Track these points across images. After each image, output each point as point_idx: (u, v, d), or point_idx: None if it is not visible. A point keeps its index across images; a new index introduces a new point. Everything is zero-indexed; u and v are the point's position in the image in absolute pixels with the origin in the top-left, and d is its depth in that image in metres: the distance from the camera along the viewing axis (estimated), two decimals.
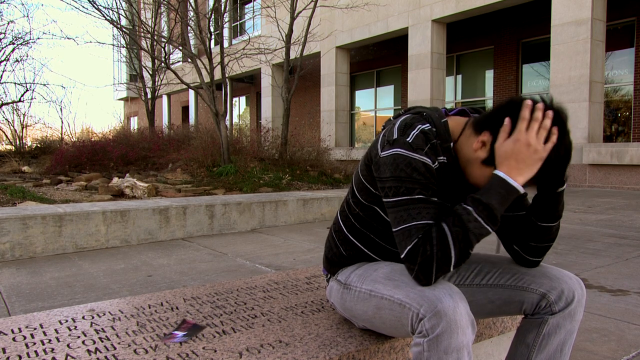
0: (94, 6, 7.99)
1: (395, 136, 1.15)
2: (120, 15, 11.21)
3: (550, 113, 1.07)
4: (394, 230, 1.14)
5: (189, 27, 8.31)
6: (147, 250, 3.92)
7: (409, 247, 1.09)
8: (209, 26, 7.82)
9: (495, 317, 1.54)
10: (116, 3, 11.51)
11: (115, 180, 6.51)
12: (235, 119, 22.82)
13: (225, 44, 10.49)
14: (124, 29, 9.57)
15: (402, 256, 1.11)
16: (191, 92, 22.27)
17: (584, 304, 1.22)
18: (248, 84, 21.28)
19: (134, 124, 28.59)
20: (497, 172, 1.09)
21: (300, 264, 3.38)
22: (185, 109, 25.30)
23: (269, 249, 3.96)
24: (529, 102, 1.07)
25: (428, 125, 1.18)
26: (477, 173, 1.17)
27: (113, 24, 8.71)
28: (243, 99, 23.28)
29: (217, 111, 7.27)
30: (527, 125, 1.06)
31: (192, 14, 8.44)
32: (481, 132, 1.14)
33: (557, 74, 9.32)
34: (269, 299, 1.63)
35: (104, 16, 8.22)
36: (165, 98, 24.80)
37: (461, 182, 1.23)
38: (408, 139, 1.13)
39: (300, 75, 8.56)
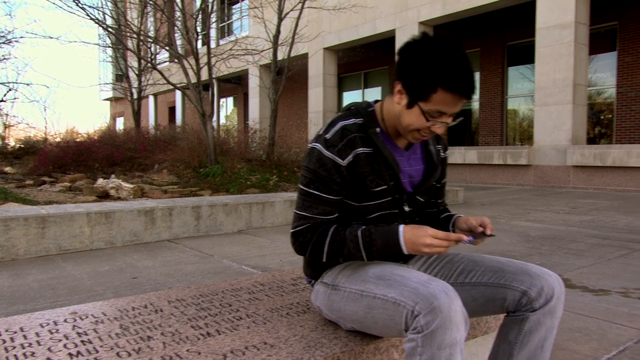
0: (78, 5, 7.90)
1: (320, 132, 1.29)
2: (106, 15, 11.09)
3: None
4: (294, 211, 1.32)
5: (175, 27, 8.26)
6: (132, 252, 3.88)
7: (295, 229, 1.30)
8: (195, 26, 7.78)
9: (480, 317, 1.55)
10: (101, 2, 11.39)
11: (100, 181, 6.43)
12: (222, 120, 22.72)
13: (213, 45, 10.44)
14: (109, 29, 9.47)
15: (290, 231, 1.32)
16: (178, 93, 22.13)
17: (563, 301, 1.25)
18: (235, 84, 21.20)
19: (120, 124, 28.31)
20: (401, 228, 1.21)
21: (287, 265, 3.37)
22: (172, 110, 25.12)
23: (256, 251, 3.94)
24: (463, 237, 1.20)
25: (353, 119, 1.30)
26: (409, 119, 1.26)
27: (98, 24, 8.62)
28: (230, 99, 23.18)
29: (204, 112, 7.23)
30: (444, 239, 1.17)
31: (178, 14, 8.39)
32: (394, 86, 1.27)
33: (542, 76, 9.44)
34: (254, 301, 1.62)
35: (88, 15, 8.13)
36: (151, 98, 24.59)
37: (397, 162, 1.34)
38: (326, 136, 1.27)
39: (288, 77, 8.56)
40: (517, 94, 12.93)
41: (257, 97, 16.81)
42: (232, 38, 16.09)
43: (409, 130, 1.27)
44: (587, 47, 9.32)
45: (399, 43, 12.24)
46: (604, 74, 11.24)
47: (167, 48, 8.83)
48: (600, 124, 11.53)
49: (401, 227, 1.21)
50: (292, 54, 8.77)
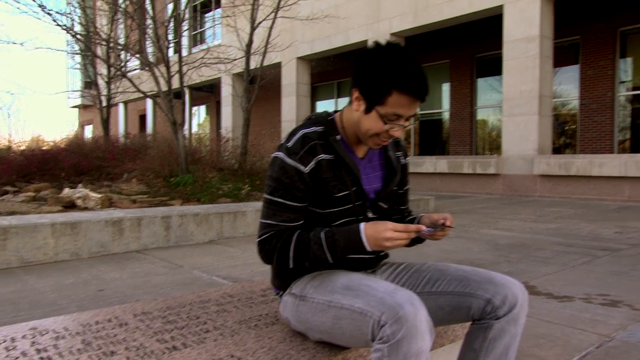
0: (44, 11, 7.72)
1: (282, 141, 1.33)
2: (74, 21, 10.86)
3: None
4: (260, 220, 1.34)
5: (146, 35, 8.15)
6: (98, 264, 3.78)
7: (261, 237, 1.31)
8: (167, 34, 7.70)
9: (447, 326, 1.57)
10: (70, 9, 11.15)
11: (67, 190, 6.26)
12: (195, 128, 22.48)
13: (185, 53, 10.34)
14: (77, 36, 9.27)
15: (256, 240, 1.33)
16: (149, 101, 21.80)
17: (526, 309, 1.28)
18: (208, 93, 21.04)
19: (89, 132, 27.66)
20: (362, 226, 1.24)
21: (258, 276, 3.34)
22: (142, 118, 24.72)
23: (227, 261, 3.90)
24: (422, 228, 1.25)
25: (313, 127, 1.34)
26: (368, 124, 1.30)
27: (66, 30, 8.43)
28: (203, 108, 22.98)
29: (175, 120, 7.14)
30: (404, 231, 1.22)
31: (150, 21, 8.29)
32: (351, 94, 1.31)
33: (509, 88, 9.70)
34: (222, 313, 1.60)
35: (55, 21, 7.94)
36: (121, 106, 24.16)
37: (362, 166, 1.39)
38: (288, 144, 1.30)
39: (261, 85, 8.54)
40: (486, 105, 13.24)
41: (230, 106, 16.72)
42: (205, 46, 15.99)
43: (368, 135, 1.31)
44: (552, 60, 9.63)
45: None
46: (568, 86, 11.63)
47: (137, 55, 8.70)
48: (565, 134, 11.90)
49: (362, 225, 1.24)
50: (266, 63, 8.77)
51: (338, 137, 1.34)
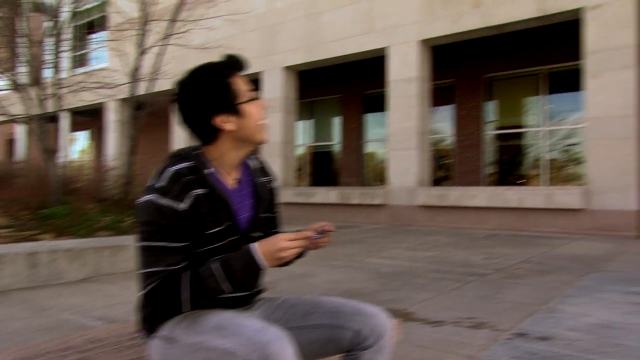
0: None
1: (149, 183, 1.26)
2: None
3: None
4: (138, 272, 1.24)
5: (18, 53, 7.47)
6: None
7: (147, 290, 1.21)
8: (42, 54, 7.12)
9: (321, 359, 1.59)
10: None
11: None
12: (76, 155, 20.82)
13: (64, 74, 9.62)
14: None
15: (140, 294, 1.23)
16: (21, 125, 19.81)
17: (393, 338, 1.34)
18: (92, 117, 19.70)
19: None
20: (254, 246, 1.24)
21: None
22: (10, 143, 22.36)
23: (103, 300, 3.61)
24: (309, 234, 1.28)
25: (183, 163, 1.29)
26: (250, 120, 1.33)
27: None
28: (86, 133, 21.45)
29: (48, 146, 6.56)
30: (295, 239, 1.25)
31: (24, 39, 7.63)
32: (212, 129, 1.31)
33: (394, 124, 10.39)
34: None
35: None
36: None
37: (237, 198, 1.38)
38: (157, 185, 1.24)
39: (150, 113, 8.21)
40: (373, 139, 14.01)
41: (115, 132, 15.81)
42: (88, 69, 15.06)
43: (259, 129, 1.35)
44: (430, 100, 10.53)
45: (265, 84, 12.57)
46: (445, 123, 12.78)
47: (6, 75, 7.92)
48: (443, 168, 12.97)
49: (254, 245, 1.23)
50: (157, 90, 8.47)
51: (210, 170, 1.32)
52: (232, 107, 1.30)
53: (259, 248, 1.23)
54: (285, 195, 11.74)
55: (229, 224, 1.32)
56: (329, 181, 14.69)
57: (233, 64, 1.34)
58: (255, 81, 13.01)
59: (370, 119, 14.08)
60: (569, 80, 10.62)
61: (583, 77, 8.38)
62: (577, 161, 10.95)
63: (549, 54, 10.95)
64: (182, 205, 1.23)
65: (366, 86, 13.73)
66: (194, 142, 1.39)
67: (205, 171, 1.30)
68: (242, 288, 1.35)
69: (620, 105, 7.86)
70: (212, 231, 1.29)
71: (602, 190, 7.96)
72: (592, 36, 8.20)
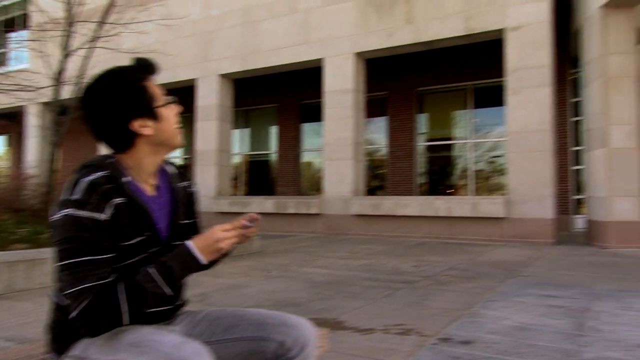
0: None
1: (62, 197, 1.18)
2: None
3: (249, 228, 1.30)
4: (64, 293, 1.14)
5: None
6: None
7: (80, 310, 1.11)
8: None
9: None
10: None
11: None
12: None
13: None
14: None
15: (72, 316, 1.12)
16: None
17: (316, 348, 1.34)
18: (10, 121, 18.38)
19: None
20: (190, 244, 1.22)
21: None
22: None
23: (16, 318, 3.35)
24: (243, 222, 1.28)
25: (98, 173, 1.22)
26: (167, 123, 1.31)
27: None
28: (3, 138, 19.97)
29: None
30: (231, 229, 1.25)
31: None
32: (131, 134, 1.27)
33: (330, 134, 10.53)
34: None
35: None
36: None
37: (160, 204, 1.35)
38: (73, 197, 1.16)
39: (75, 118, 7.78)
40: (310, 148, 14.11)
41: (36, 138, 14.85)
42: (7, 69, 14.07)
43: (176, 132, 1.34)
44: (364, 111, 10.77)
45: (200, 91, 12.34)
46: (379, 134, 13.13)
47: None
48: (377, 177, 13.29)
49: (189, 243, 1.21)
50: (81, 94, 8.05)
51: (127, 178, 1.26)
52: (149, 110, 1.27)
53: (194, 244, 1.21)
54: (221, 204, 11.53)
55: (149, 234, 1.28)
56: (266, 190, 14.60)
57: (145, 67, 1.30)
58: (189, 88, 12.78)
59: (307, 128, 14.19)
60: (493, 96, 11.29)
61: (505, 94, 8.93)
62: (501, 172, 11.62)
63: (475, 71, 11.60)
64: (104, 216, 1.17)
65: (303, 96, 13.84)
66: (105, 151, 1.33)
67: (123, 179, 1.24)
68: (162, 302, 1.30)
69: (538, 121, 8.45)
70: (132, 242, 1.24)
71: (522, 199, 8.48)
72: (513, 55, 8.77)
